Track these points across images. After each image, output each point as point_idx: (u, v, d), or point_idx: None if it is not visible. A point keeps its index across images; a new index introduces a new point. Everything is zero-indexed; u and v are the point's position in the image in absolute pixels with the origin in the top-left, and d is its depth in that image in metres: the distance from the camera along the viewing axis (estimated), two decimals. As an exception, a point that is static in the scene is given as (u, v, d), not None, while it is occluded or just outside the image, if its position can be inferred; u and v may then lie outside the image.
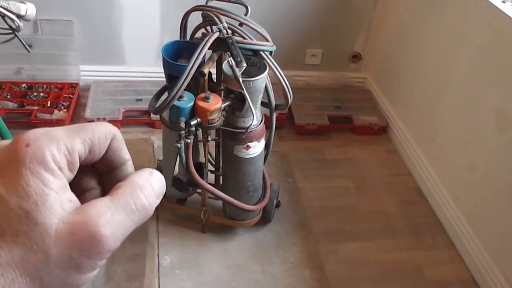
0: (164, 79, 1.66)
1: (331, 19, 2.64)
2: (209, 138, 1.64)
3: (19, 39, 1.38)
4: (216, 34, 1.49)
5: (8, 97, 2.46)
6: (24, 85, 2.54)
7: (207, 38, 1.48)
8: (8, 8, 1.30)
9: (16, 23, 1.34)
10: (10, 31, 1.38)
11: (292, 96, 1.68)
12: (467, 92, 1.95)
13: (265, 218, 1.96)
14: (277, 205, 2.01)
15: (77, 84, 2.58)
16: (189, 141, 1.52)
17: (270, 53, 1.63)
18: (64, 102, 2.47)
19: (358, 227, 2.05)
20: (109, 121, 2.34)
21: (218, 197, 1.72)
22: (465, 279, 1.87)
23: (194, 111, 1.51)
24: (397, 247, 1.98)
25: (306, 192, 2.20)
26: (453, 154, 2.05)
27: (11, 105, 2.41)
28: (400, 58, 2.50)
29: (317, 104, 2.63)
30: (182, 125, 1.48)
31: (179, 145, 1.51)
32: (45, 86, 2.55)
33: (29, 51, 1.42)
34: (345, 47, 2.76)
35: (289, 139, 2.50)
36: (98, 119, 2.38)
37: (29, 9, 1.33)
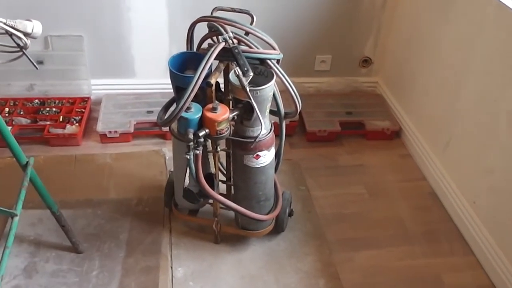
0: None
1: (340, 25, 2.63)
2: (218, 149, 1.63)
3: (27, 56, 1.38)
4: (222, 44, 1.49)
5: (21, 113, 2.49)
6: (36, 101, 2.57)
7: (212, 49, 1.48)
8: (15, 26, 1.30)
9: (23, 41, 1.35)
10: (18, 49, 1.38)
11: (300, 104, 1.67)
12: (481, 93, 1.92)
13: (278, 228, 1.94)
14: (290, 214, 1.99)
15: (88, 98, 2.61)
16: (198, 152, 1.51)
17: (278, 61, 1.63)
18: (76, 116, 2.48)
19: (372, 235, 2.02)
20: (121, 134, 2.38)
21: (229, 208, 1.71)
22: (484, 286, 1.82)
23: (202, 122, 1.51)
24: (413, 254, 1.94)
25: (319, 200, 2.17)
26: (469, 158, 2.00)
27: (24, 121, 2.44)
28: (411, 61, 2.47)
29: (328, 111, 2.61)
30: (191, 136, 1.48)
31: (188, 157, 1.50)
32: (57, 101, 2.58)
33: (37, 68, 1.42)
34: (355, 52, 2.74)
35: (300, 147, 2.48)
36: (110, 132, 2.39)
37: (36, 27, 1.33)
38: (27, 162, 1.58)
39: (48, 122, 2.43)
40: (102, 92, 2.63)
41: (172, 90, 1.68)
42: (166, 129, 2.39)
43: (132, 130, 2.43)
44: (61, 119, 2.46)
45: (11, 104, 2.53)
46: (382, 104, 2.71)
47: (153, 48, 2.57)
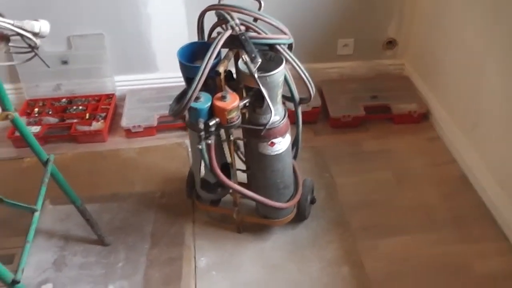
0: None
1: (361, 6, 2.55)
2: (231, 137, 1.62)
3: (38, 56, 1.41)
4: (229, 32, 1.47)
5: (50, 112, 2.56)
6: (64, 100, 2.64)
7: (219, 37, 1.46)
8: (23, 27, 1.33)
9: (33, 41, 1.37)
10: (30, 49, 1.41)
11: (314, 89, 1.63)
12: (509, 70, 1.81)
13: (300, 215, 1.91)
14: (312, 201, 1.96)
15: (113, 94, 2.65)
16: (210, 142, 1.50)
17: (290, 47, 1.59)
18: (102, 113, 2.53)
19: (399, 221, 1.96)
20: (145, 128, 2.41)
21: (246, 196, 1.70)
22: (518, 271, 1.74)
23: (213, 111, 1.50)
24: (442, 241, 1.86)
25: (343, 187, 2.13)
26: (499, 138, 1.91)
27: (52, 120, 2.51)
28: (437, 40, 2.37)
29: (352, 96, 2.54)
30: (201, 126, 1.47)
31: (200, 147, 1.50)
32: (83, 99, 2.63)
33: (48, 67, 1.46)
34: (378, 34, 2.66)
35: (324, 133, 2.43)
36: (134, 127, 2.43)
37: (43, 26, 1.35)
38: (47, 159, 1.62)
39: (75, 120, 2.49)
40: (126, 88, 2.67)
41: None
42: (188, 121, 2.40)
43: (155, 124, 2.45)
44: (87, 117, 2.51)
45: (40, 104, 2.60)
46: (408, 86, 2.62)
47: (172, 41, 2.55)
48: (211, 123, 1.47)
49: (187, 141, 2.40)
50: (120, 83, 2.67)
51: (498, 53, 1.87)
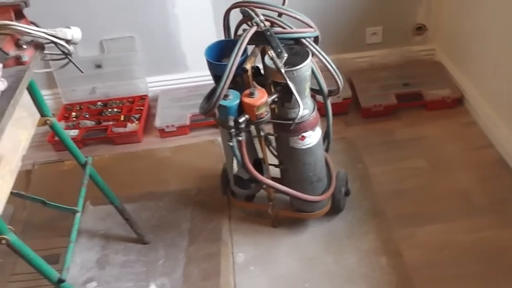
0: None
1: (388, -7, 2.51)
2: (262, 133, 1.63)
3: (72, 62, 1.46)
4: (254, 29, 1.49)
5: (87, 116, 2.64)
6: (99, 103, 2.71)
7: (244, 34, 1.48)
8: (56, 35, 1.38)
9: (66, 48, 1.43)
10: (64, 56, 1.47)
11: (342, 80, 1.62)
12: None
13: (335, 208, 1.92)
14: (346, 193, 1.95)
15: (146, 96, 2.71)
16: (240, 138, 1.52)
17: (316, 40, 1.59)
18: (136, 114, 2.59)
19: (435, 209, 1.93)
20: (178, 127, 2.45)
21: (280, 191, 1.72)
22: (561, 256, 1.69)
23: (242, 108, 1.51)
24: (480, 227, 1.83)
25: (378, 176, 2.11)
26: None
27: (89, 123, 2.59)
28: (469, 23, 2.31)
29: (383, 84, 2.51)
30: (231, 123, 1.50)
31: (231, 144, 1.52)
32: (117, 101, 2.70)
33: (82, 72, 1.50)
34: (407, 20, 2.61)
35: (356, 124, 2.42)
36: (167, 127, 2.48)
37: (75, 34, 1.40)
38: (85, 161, 1.68)
39: (110, 122, 2.56)
40: (159, 89, 2.72)
41: None
42: (220, 118, 2.43)
43: (188, 122, 2.50)
44: (122, 118, 2.58)
45: (77, 108, 2.69)
46: (440, 72, 2.57)
47: (201, 40, 2.58)
48: (240, 120, 1.49)
49: (219, 139, 2.43)
50: (152, 84, 2.73)
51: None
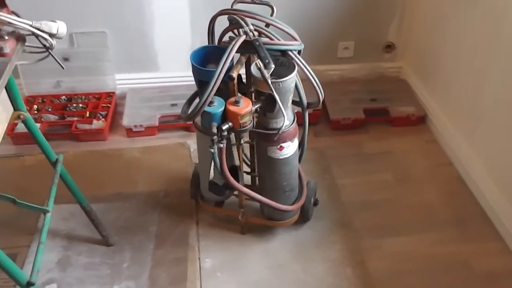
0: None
1: (362, 10, 2.59)
2: (242, 141, 1.64)
3: (53, 56, 1.42)
4: (243, 37, 1.49)
5: (50, 110, 2.54)
6: (64, 97, 2.63)
7: (233, 42, 1.48)
8: (41, 28, 1.34)
9: (49, 42, 1.38)
10: (44, 50, 1.42)
11: (323, 94, 1.66)
12: (509, 75, 1.86)
13: (303, 217, 1.95)
14: (315, 203, 1.99)
15: (113, 93, 2.65)
16: (222, 145, 1.53)
17: (299, 52, 1.62)
18: (102, 111, 2.53)
19: (400, 221, 2.00)
20: (146, 128, 2.41)
21: (254, 199, 1.73)
22: (515, 272, 1.80)
23: (225, 116, 1.52)
24: (442, 240, 1.92)
25: (345, 188, 2.17)
26: (499, 142, 1.96)
27: (52, 117, 2.50)
28: (436, 44, 2.42)
29: (352, 98, 2.58)
30: (214, 130, 1.49)
31: (212, 150, 1.52)
32: (83, 97, 2.63)
33: (63, 68, 1.45)
34: (378, 38, 2.70)
35: (325, 135, 2.47)
36: (135, 126, 2.43)
37: (60, 28, 1.36)
38: (56, 159, 1.62)
39: (75, 118, 2.49)
40: (127, 87, 2.67)
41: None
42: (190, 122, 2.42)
43: (157, 123, 2.46)
44: (87, 115, 2.51)
45: (40, 101, 2.59)
46: (406, 89, 2.67)
47: (175, 41, 2.59)
48: (224, 127, 1.49)
49: (190, 142, 2.41)
50: (121, 81, 2.67)
51: (499, 59, 1.92)
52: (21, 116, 1.49)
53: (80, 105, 2.58)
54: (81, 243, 1.94)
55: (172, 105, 2.54)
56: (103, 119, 2.48)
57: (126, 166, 2.29)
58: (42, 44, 1.40)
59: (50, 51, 1.44)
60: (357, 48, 2.70)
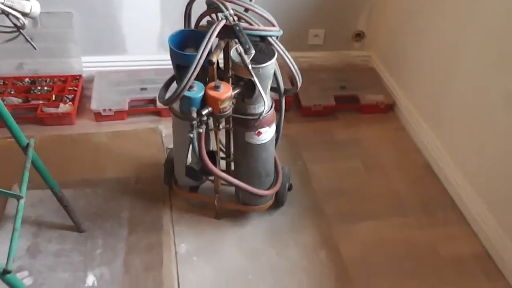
0: (170, 67, 1.64)
1: (333, -2, 2.61)
2: (221, 126, 1.64)
3: (24, 36, 1.36)
4: (223, 22, 1.48)
5: (12, 92, 2.45)
6: (27, 79, 2.53)
7: (214, 27, 1.47)
8: (13, 6, 1.28)
9: (21, 21, 1.32)
10: (15, 29, 1.36)
11: (301, 80, 1.67)
12: (476, 69, 1.94)
13: (278, 202, 1.97)
14: (289, 188, 2.02)
15: (80, 76, 2.57)
16: (201, 130, 1.52)
17: (277, 37, 1.62)
18: (69, 95, 2.45)
19: (369, 207, 2.06)
20: (115, 112, 2.36)
21: (232, 184, 1.73)
22: (479, 255, 1.88)
23: (205, 101, 1.51)
24: (410, 226, 1.99)
25: (316, 174, 2.20)
26: (463, 132, 2.04)
27: (16, 100, 2.40)
28: (405, 35, 2.47)
29: (322, 85, 2.61)
30: (194, 115, 1.48)
31: (191, 135, 1.51)
32: (48, 79, 2.54)
33: (35, 48, 1.40)
34: (348, 26, 2.73)
35: (296, 122, 2.49)
36: (104, 110, 2.38)
37: (34, 7, 1.31)
38: (27, 143, 1.57)
39: (40, 102, 2.40)
40: (94, 70, 2.59)
41: (166, 67, 1.66)
42: (161, 106, 2.38)
43: (126, 107, 2.41)
44: (53, 98, 2.43)
45: (1, 83, 2.48)
46: (375, 78, 2.73)
47: (144, 24, 2.53)
48: (203, 112, 1.48)
49: (161, 126, 2.38)
50: (88, 64, 2.59)
51: (467, 52, 1.99)
52: (-10, 98, 1.43)
53: (45, 88, 2.49)
54: (51, 230, 1.89)
55: (142, 89, 2.50)
56: (70, 103, 2.41)
57: (95, 151, 2.24)
58: (13, 24, 1.35)
59: (21, 31, 1.38)
60: (327, 36, 2.73)
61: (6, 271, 1.24)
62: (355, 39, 2.78)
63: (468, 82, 1.99)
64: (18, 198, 1.42)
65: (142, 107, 2.46)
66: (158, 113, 2.46)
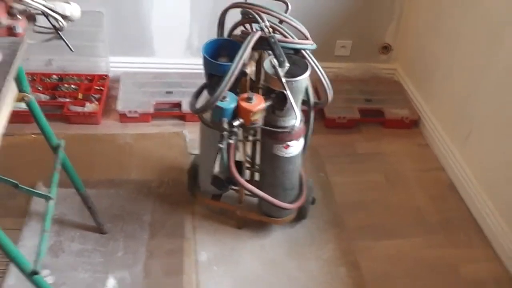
0: (196, 71, 1.64)
1: (361, 10, 2.60)
2: (250, 138, 1.63)
3: (62, 39, 1.38)
4: (259, 33, 1.48)
5: (40, 89, 2.47)
6: (54, 76, 2.55)
7: (250, 38, 1.46)
8: (54, 8, 1.29)
9: (60, 23, 1.34)
10: (53, 31, 1.37)
11: (332, 94, 1.66)
12: (505, 84, 1.91)
13: (300, 215, 1.96)
14: (312, 202, 2.01)
15: (107, 76, 2.59)
16: (231, 141, 1.51)
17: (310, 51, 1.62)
18: (95, 94, 2.47)
19: (391, 223, 2.04)
20: (141, 114, 2.37)
21: (257, 196, 1.73)
22: (501, 279, 1.86)
23: (237, 112, 1.50)
24: (432, 244, 1.96)
25: (338, 186, 2.19)
26: (490, 149, 2.02)
27: (43, 97, 2.43)
28: (432, 48, 2.45)
29: (347, 97, 2.60)
30: (225, 125, 1.48)
31: (221, 145, 1.51)
32: (75, 77, 2.56)
33: (72, 50, 1.42)
34: (375, 38, 2.72)
35: (319, 133, 2.47)
36: (130, 112, 2.39)
37: (74, 11, 1.33)
38: (58, 144, 1.58)
39: (67, 100, 2.42)
40: (120, 70, 2.61)
41: (191, 71, 1.63)
42: (186, 110, 2.39)
43: (152, 110, 2.42)
44: (80, 97, 2.44)
45: (29, 79, 2.50)
46: (400, 91, 2.71)
47: (173, 27, 2.54)
48: (235, 124, 1.48)
49: (185, 131, 2.38)
50: (114, 64, 2.61)
51: (495, 68, 1.96)
52: (26, 98, 1.45)
53: (72, 86, 2.51)
54: (73, 229, 1.90)
55: (168, 92, 2.50)
56: (97, 102, 2.42)
57: (119, 152, 2.25)
58: (52, 25, 1.36)
59: (60, 33, 1.40)
60: (354, 48, 2.72)
61: (34, 272, 1.25)
62: (382, 51, 2.76)
63: (496, 99, 1.97)
64: (47, 198, 1.43)
65: (167, 111, 2.47)
66: (182, 117, 2.46)
